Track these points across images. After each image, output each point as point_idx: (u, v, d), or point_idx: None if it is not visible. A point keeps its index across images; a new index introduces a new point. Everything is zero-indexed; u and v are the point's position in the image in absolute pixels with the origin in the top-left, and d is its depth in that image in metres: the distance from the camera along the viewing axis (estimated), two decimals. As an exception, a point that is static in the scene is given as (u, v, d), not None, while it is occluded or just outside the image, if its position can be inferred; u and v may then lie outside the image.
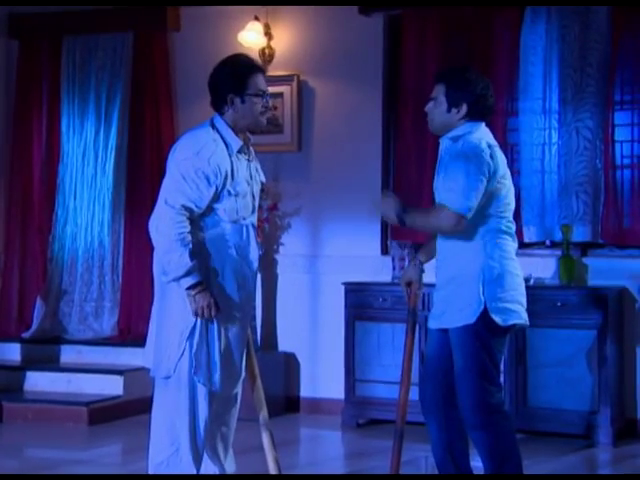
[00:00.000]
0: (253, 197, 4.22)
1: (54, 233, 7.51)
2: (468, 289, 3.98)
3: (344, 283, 6.52)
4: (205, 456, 4.21)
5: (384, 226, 6.81)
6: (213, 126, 4.14)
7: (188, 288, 4.02)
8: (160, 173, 4.29)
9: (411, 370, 4.28)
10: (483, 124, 4.12)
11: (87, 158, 7.46)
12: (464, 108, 4.05)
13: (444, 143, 4.13)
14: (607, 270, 6.26)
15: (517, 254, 4.14)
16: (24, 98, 7.56)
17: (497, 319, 3.95)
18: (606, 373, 5.86)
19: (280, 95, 6.92)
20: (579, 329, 5.91)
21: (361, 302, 6.44)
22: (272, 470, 4.28)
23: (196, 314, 4.03)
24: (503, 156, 4.09)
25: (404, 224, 4.07)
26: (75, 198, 7.48)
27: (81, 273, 7.46)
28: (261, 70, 4.24)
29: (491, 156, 3.97)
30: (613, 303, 5.99)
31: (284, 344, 7.01)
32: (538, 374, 5.97)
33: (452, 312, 4.03)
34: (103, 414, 6.60)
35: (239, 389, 4.29)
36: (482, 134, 4.08)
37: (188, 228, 4.03)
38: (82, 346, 7.26)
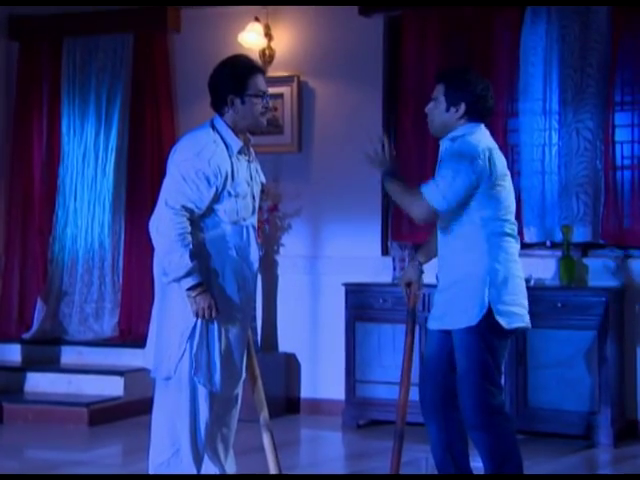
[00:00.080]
0: (253, 198, 4.22)
1: (54, 234, 7.51)
2: (472, 291, 3.98)
3: (344, 284, 6.52)
4: (206, 457, 4.21)
5: (385, 227, 6.82)
6: (213, 127, 4.14)
7: (189, 289, 4.02)
8: (160, 174, 4.29)
9: (411, 371, 4.28)
10: (482, 125, 4.11)
11: (87, 159, 7.46)
12: (462, 108, 4.06)
13: (444, 145, 4.13)
14: (607, 271, 6.26)
15: (518, 255, 4.14)
16: (24, 99, 7.57)
17: (502, 322, 3.96)
18: (606, 374, 5.86)
19: (280, 96, 6.93)
20: (579, 330, 5.91)
21: (362, 303, 6.44)
22: (273, 471, 4.28)
23: (196, 315, 4.03)
24: (503, 158, 4.09)
25: (383, 185, 4.17)
26: (75, 199, 7.49)
27: (81, 274, 7.46)
28: (261, 71, 4.24)
29: (489, 159, 3.97)
30: (613, 304, 5.98)
31: (284, 345, 7.01)
32: (538, 375, 5.97)
33: (455, 313, 4.02)
34: (103, 415, 6.61)
35: (240, 390, 4.28)
36: (481, 135, 4.08)
37: (188, 229, 4.03)
38: (82, 347, 7.26)
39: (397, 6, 6.74)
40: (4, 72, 7.63)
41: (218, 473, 4.26)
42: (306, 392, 6.96)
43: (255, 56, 6.53)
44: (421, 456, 5.47)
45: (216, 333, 4.08)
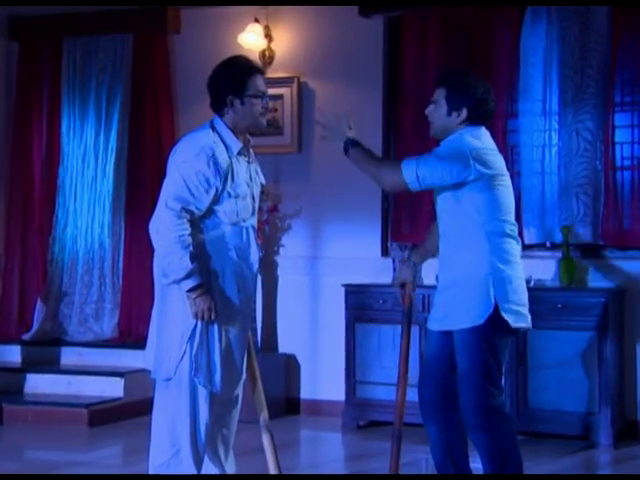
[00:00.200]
0: (253, 199, 4.22)
1: (54, 235, 7.51)
2: (474, 291, 3.98)
3: (344, 285, 6.52)
4: (206, 458, 4.20)
5: (384, 228, 6.82)
6: (213, 128, 4.14)
7: (188, 291, 4.02)
8: (160, 175, 4.30)
9: (407, 372, 4.28)
10: (483, 128, 4.12)
11: (87, 160, 7.47)
12: (464, 112, 4.06)
13: (442, 143, 4.14)
14: (607, 271, 6.26)
15: (520, 256, 4.14)
16: (24, 100, 7.57)
17: (509, 319, 3.96)
18: (606, 374, 5.86)
19: (280, 97, 6.93)
20: (579, 331, 5.91)
21: (361, 304, 6.44)
22: (272, 471, 4.28)
23: (196, 317, 4.03)
24: (501, 158, 4.09)
25: (347, 154, 4.22)
26: (75, 200, 7.49)
27: (81, 275, 7.46)
28: (260, 71, 4.24)
29: (481, 159, 3.97)
30: (613, 305, 5.98)
31: (284, 346, 7.01)
32: (538, 375, 5.97)
33: (457, 314, 4.02)
34: (103, 416, 6.60)
35: (240, 391, 4.28)
36: (481, 137, 4.08)
37: (189, 230, 4.03)
38: (82, 348, 7.26)
39: (397, 6, 6.74)
40: (4, 72, 7.64)
41: (218, 474, 4.26)
42: (306, 393, 6.96)
43: (255, 57, 6.54)
44: (421, 457, 5.47)
45: (216, 334, 4.08)
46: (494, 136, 4.25)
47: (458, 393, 4.05)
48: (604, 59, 6.28)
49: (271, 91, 4.44)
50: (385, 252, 6.81)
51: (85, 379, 6.90)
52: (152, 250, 4.14)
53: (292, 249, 7.03)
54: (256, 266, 4.23)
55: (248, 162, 4.22)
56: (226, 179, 4.07)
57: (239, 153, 4.15)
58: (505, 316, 3.96)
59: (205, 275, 4.06)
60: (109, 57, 7.44)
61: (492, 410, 3.99)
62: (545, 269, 6.35)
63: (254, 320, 6.58)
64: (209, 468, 4.25)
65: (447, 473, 4.15)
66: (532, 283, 6.11)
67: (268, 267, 6.96)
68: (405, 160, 4.05)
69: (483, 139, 4.07)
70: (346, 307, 6.48)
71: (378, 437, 6.08)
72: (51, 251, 7.52)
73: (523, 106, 6.47)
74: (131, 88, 7.37)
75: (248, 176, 4.20)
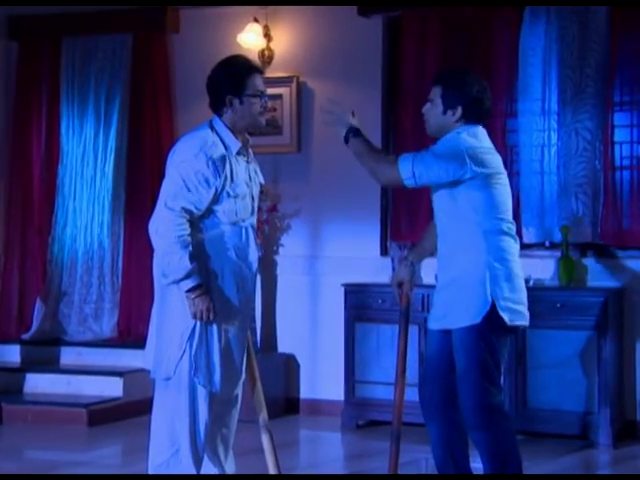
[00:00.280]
0: (252, 199, 4.22)
1: (54, 234, 7.51)
2: (472, 289, 3.98)
3: (344, 284, 6.52)
4: (205, 457, 4.21)
5: (384, 227, 6.82)
6: (212, 128, 4.14)
7: (188, 291, 4.02)
8: (160, 175, 4.30)
9: (405, 371, 4.28)
10: (480, 127, 4.12)
11: (87, 159, 7.46)
12: (459, 111, 4.07)
13: (439, 141, 4.15)
14: (606, 271, 6.27)
15: (518, 255, 4.14)
16: (24, 100, 7.57)
17: (505, 317, 3.96)
18: (605, 374, 5.86)
19: (279, 96, 6.93)
20: (578, 330, 5.91)
21: (361, 303, 6.44)
22: (272, 471, 4.28)
23: (194, 317, 4.03)
24: (498, 157, 4.09)
25: (346, 143, 4.18)
26: (75, 199, 7.49)
27: (81, 274, 7.46)
28: (259, 71, 4.24)
29: (477, 157, 3.97)
30: (612, 304, 5.99)
31: (284, 345, 7.01)
32: (538, 375, 5.97)
33: (456, 313, 4.03)
34: (103, 416, 6.61)
35: (239, 390, 4.28)
36: (477, 135, 4.08)
37: (188, 230, 4.03)
38: (82, 348, 7.25)
39: (396, 6, 6.74)
40: (3, 72, 7.63)
41: (218, 473, 4.26)
42: (305, 393, 6.96)
43: (254, 57, 6.53)
44: (420, 456, 5.47)
45: (216, 334, 4.09)
46: (493, 136, 4.25)
47: (457, 392, 4.05)
48: (603, 58, 6.29)
49: (270, 91, 4.45)
50: (384, 251, 6.81)
51: (84, 379, 6.90)
52: (151, 250, 4.14)
53: (291, 249, 7.03)
54: (255, 266, 4.23)
55: (247, 162, 4.22)
56: (225, 179, 4.07)
57: (238, 153, 4.15)
58: (501, 314, 3.96)
59: (204, 275, 4.06)
60: (108, 57, 7.43)
61: (491, 409, 3.99)
62: (544, 269, 6.35)
63: (253, 320, 6.58)
64: (209, 468, 4.25)
65: (447, 473, 4.16)
66: (531, 282, 6.12)
67: (267, 267, 6.96)
68: (402, 156, 4.05)
69: (480, 138, 4.08)
70: (345, 307, 6.48)
71: (377, 437, 6.08)
72: (50, 251, 7.51)
73: (522, 106, 6.47)
74: (130, 88, 7.37)
75: (247, 176, 4.20)
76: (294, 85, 6.98)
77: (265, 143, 6.53)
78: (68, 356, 7.27)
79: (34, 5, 7.40)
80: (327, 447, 6.28)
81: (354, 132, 4.18)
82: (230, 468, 4.33)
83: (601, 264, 6.30)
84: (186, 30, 7.31)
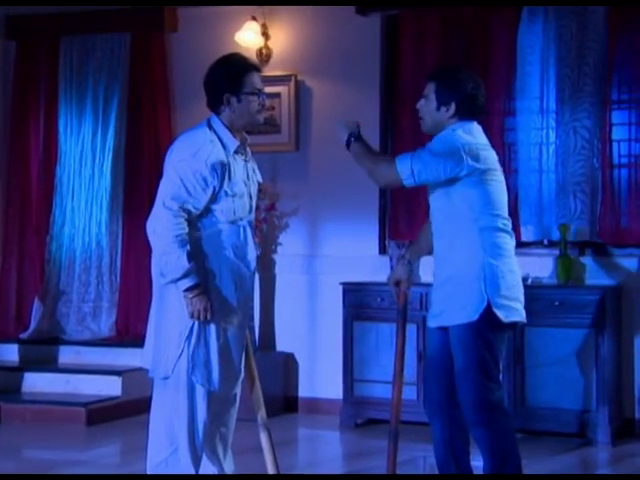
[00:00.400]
0: (250, 197, 4.22)
1: (52, 234, 7.51)
2: (468, 287, 3.99)
3: (342, 283, 6.52)
4: (204, 456, 4.20)
5: (382, 226, 6.82)
6: (210, 126, 4.14)
7: (185, 290, 4.02)
8: (158, 174, 4.29)
9: (403, 370, 4.28)
10: (475, 123, 4.12)
11: (85, 159, 7.46)
12: (453, 107, 4.07)
13: (434, 139, 4.14)
14: (605, 269, 6.27)
15: (515, 253, 4.15)
16: (22, 99, 7.57)
17: (500, 315, 3.96)
18: (604, 372, 5.86)
19: (277, 95, 6.93)
20: (577, 328, 5.91)
21: (359, 302, 6.44)
22: (271, 470, 4.28)
23: (192, 316, 4.03)
24: (493, 153, 4.09)
25: (348, 148, 4.21)
26: (73, 199, 7.49)
27: (79, 274, 7.46)
28: (256, 68, 4.23)
29: (473, 154, 3.97)
30: (610, 302, 5.99)
31: (282, 344, 7.01)
32: (536, 373, 5.97)
33: (452, 310, 4.03)
34: (101, 415, 6.60)
35: (238, 389, 4.28)
36: (472, 132, 4.08)
37: (186, 230, 4.03)
38: (80, 347, 7.25)
39: (394, 5, 6.74)
40: (1, 72, 7.63)
41: (216, 473, 4.26)
42: (304, 391, 6.96)
43: (252, 55, 6.53)
44: (418, 455, 5.48)
45: (214, 333, 4.08)
46: (491, 134, 4.27)
47: (456, 389, 4.06)
48: (601, 57, 6.29)
49: (268, 89, 4.44)
50: (383, 250, 6.81)
51: (83, 378, 6.90)
52: (150, 249, 4.14)
53: (290, 247, 7.03)
54: (253, 264, 4.23)
55: (245, 160, 4.22)
56: (223, 178, 4.07)
57: (236, 151, 4.15)
58: (496, 311, 3.96)
59: (202, 274, 4.06)
60: (106, 56, 7.43)
61: (491, 406, 4.00)
62: (542, 267, 6.35)
63: (252, 319, 6.59)
64: (207, 467, 4.25)
65: (448, 471, 4.16)
66: (529, 281, 6.12)
67: (266, 265, 6.96)
68: (399, 156, 4.06)
69: (475, 134, 4.08)
70: (344, 305, 6.48)
71: (376, 435, 6.08)
72: (48, 250, 7.51)
73: (520, 104, 6.48)
74: (128, 87, 7.37)
75: (245, 174, 4.20)
76: (292, 84, 6.98)
77: (263, 142, 6.54)
78: (66, 355, 7.27)
79: (32, 5, 7.39)
80: (326, 446, 6.28)
81: (356, 137, 4.18)
82: (229, 467, 4.33)
83: (599, 262, 6.30)
84: (184, 29, 7.31)
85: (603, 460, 5.74)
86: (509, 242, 4.08)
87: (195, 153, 4.04)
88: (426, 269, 5.77)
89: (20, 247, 7.54)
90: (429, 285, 4.24)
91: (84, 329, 7.39)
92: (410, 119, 6.57)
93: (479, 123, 4.16)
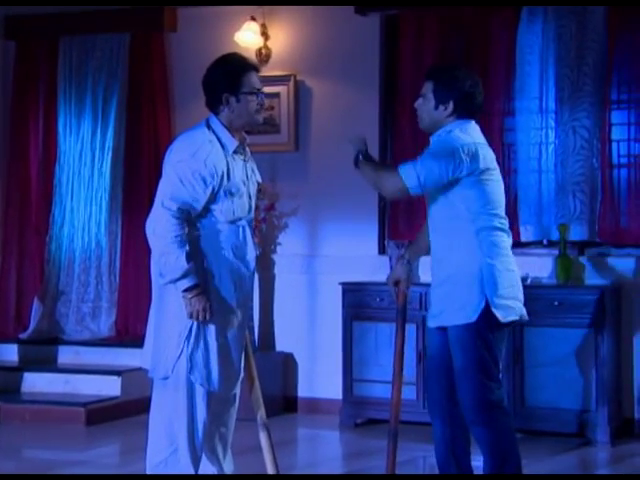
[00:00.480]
0: (249, 197, 4.22)
1: (51, 234, 7.51)
2: (467, 287, 3.99)
3: (342, 283, 6.52)
4: (203, 456, 4.20)
5: (382, 226, 6.83)
6: (209, 127, 4.13)
7: (184, 290, 4.01)
8: (157, 174, 4.29)
9: (403, 370, 4.28)
10: (472, 122, 4.12)
11: (84, 159, 7.46)
12: (451, 106, 4.07)
13: (432, 141, 4.14)
14: (604, 269, 6.27)
15: (514, 253, 4.16)
16: (21, 99, 7.56)
17: (498, 315, 3.97)
18: (603, 372, 5.86)
19: (277, 95, 6.93)
20: (576, 328, 5.91)
21: (359, 302, 6.44)
22: (270, 470, 4.28)
23: (190, 317, 4.03)
24: (491, 153, 4.09)
25: (357, 167, 4.20)
26: (72, 199, 7.48)
27: (78, 274, 7.46)
28: (255, 68, 4.23)
29: (472, 153, 3.97)
30: (610, 302, 5.99)
31: (282, 344, 7.01)
32: (535, 373, 5.97)
33: (451, 310, 4.03)
34: (101, 415, 6.60)
35: (238, 389, 4.28)
36: (470, 131, 4.08)
37: (185, 230, 4.03)
38: (79, 347, 7.25)
39: (393, 5, 6.74)
40: (1, 72, 7.63)
41: (216, 473, 4.26)
42: (303, 391, 6.96)
43: (251, 55, 6.53)
44: (418, 455, 5.48)
45: (213, 333, 4.08)
46: (491, 134, 4.27)
47: (456, 389, 4.06)
48: (600, 57, 6.29)
49: (268, 89, 4.44)
50: (382, 250, 6.81)
51: (82, 378, 6.89)
52: (149, 249, 4.14)
53: (289, 247, 7.03)
54: (253, 265, 4.22)
55: (244, 160, 4.22)
56: (222, 178, 4.07)
57: (235, 151, 4.15)
58: (495, 312, 3.96)
59: (201, 274, 4.06)
60: (106, 56, 7.43)
61: (491, 405, 4.00)
62: (542, 267, 6.35)
63: (251, 319, 6.59)
64: (207, 467, 4.25)
65: (448, 470, 4.16)
66: (529, 281, 6.13)
67: (265, 266, 6.96)
68: (402, 167, 4.03)
69: (473, 134, 4.08)
70: (343, 305, 6.48)
71: (376, 435, 6.07)
72: (48, 250, 7.51)
73: (520, 104, 6.48)
74: (128, 87, 7.37)
75: (244, 174, 4.19)
76: (291, 84, 6.97)
77: (263, 142, 6.54)
78: (66, 355, 7.27)
79: (31, 5, 7.39)
80: (325, 445, 6.28)
81: (365, 155, 4.18)
82: (228, 467, 4.33)
83: (598, 262, 6.30)
84: (184, 29, 7.31)
85: (602, 460, 5.75)
86: (506, 240, 4.08)
87: (194, 153, 4.04)
88: (426, 269, 5.76)
89: (19, 247, 7.54)
90: (429, 285, 4.24)
91: (83, 329, 7.39)
92: (410, 119, 6.56)
93: (478, 122, 4.16)
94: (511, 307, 4.03)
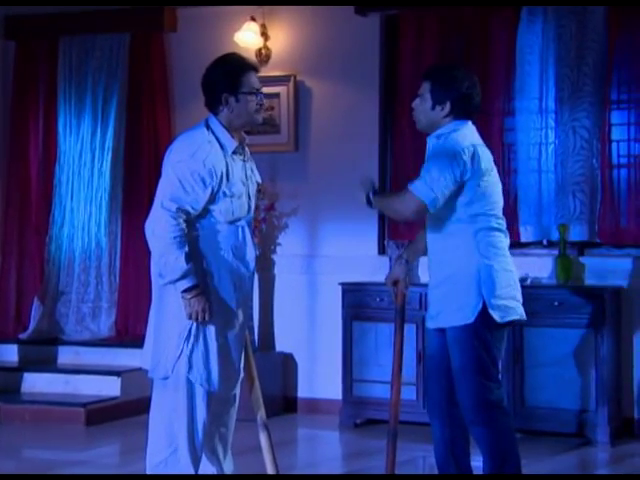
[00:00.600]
0: (249, 198, 4.22)
1: (51, 234, 7.51)
2: (464, 288, 3.99)
3: (341, 283, 6.52)
4: (203, 457, 4.20)
5: (381, 226, 6.82)
6: (208, 127, 4.13)
7: (184, 291, 4.01)
8: (157, 174, 4.29)
9: (402, 370, 4.28)
10: (469, 123, 4.11)
11: (84, 159, 7.46)
12: (448, 106, 4.06)
13: (430, 142, 4.15)
14: (604, 269, 6.27)
15: (514, 253, 4.16)
16: (21, 99, 7.57)
17: (495, 316, 3.97)
18: (603, 372, 5.86)
19: (277, 95, 6.93)
20: (576, 328, 5.91)
21: (358, 302, 6.44)
22: (270, 470, 4.28)
23: (190, 317, 4.03)
24: (488, 153, 4.08)
25: (371, 205, 4.19)
26: (72, 199, 7.48)
27: (78, 274, 7.46)
28: (254, 68, 4.23)
29: (472, 156, 3.97)
30: (610, 302, 5.99)
31: (282, 344, 7.01)
32: (535, 374, 5.97)
33: (449, 311, 4.04)
34: (100, 415, 6.60)
35: (237, 390, 4.28)
36: (467, 132, 4.07)
37: (184, 231, 4.03)
38: (79, 347, 7.25)
39: (393, 5, 6.74)
40: (1, 72, 7.63)
41: (216, 473, 4.26)
42: (303, 391, 6.96)
43: (251, 55, 6.54)
44: (417, 455, 5.48)
45: (213, 333, 4.08)
46: (491, 134, 4.26)
47: (455, 389, 4.06)
48: (600, 57, 6.29)
49: (267, 89, 4.44)
50: (382, 250, 6.81)
51: (82, 378, 6.89)
52: (149, 249, 4.14)
53: (289, 248, 7.03)
54: (253, 265, 4.22)
55: (244, 160, 4.22)
56: (221, 178, 4.06)
57: (234, 152, 4.15)
58: (492, 313, 3.96)
59: (201, 275, 4.06)
60: (105, 56, 7.43)
61: (490, 405, 4.00)
62: (542, 267, 6.35)
63: (251, 319, 6.59)
64: (207, 467, 4.25)
65: (448, 470, 4.16)
66: (529, 281, 6.13)
67: (265, 266, 6.96)
68: (413, 185, 3.98)
69: (470, 136, 4.07)
70: (343, 305, 6.48)
71: (375, 435, 6.07)
72: (48, 250, 7.51)
73: (520, 104, 6.48)
74: (128, 87, 7.37)
75: (244, 175, 4.19)
76: (291, 84, 6.97)
77: (262, 142, 6.54)
78: (66, 355, 7.27)
79: (31, 5, 7.39)
80: (325, 446, 6.28)
81: (374, 191, 4.18)
82: (228, 467, 4.33)
83: (598, 262, 6.30)
84: (183, 29, 7.31)
85: (602, 460, 5.75)
86: (503, 240, 4.08)
87: (193, 154, 4.04)
88: (425, 269, 5.76)
89: (19, 247, 7.55)
90: (428, 285, 4.24)
91: (83, 329, 7.39)
92: (409, 119, 6.47)
93: (475, 122, 4.15)
94: (509, 307, 4.03)
